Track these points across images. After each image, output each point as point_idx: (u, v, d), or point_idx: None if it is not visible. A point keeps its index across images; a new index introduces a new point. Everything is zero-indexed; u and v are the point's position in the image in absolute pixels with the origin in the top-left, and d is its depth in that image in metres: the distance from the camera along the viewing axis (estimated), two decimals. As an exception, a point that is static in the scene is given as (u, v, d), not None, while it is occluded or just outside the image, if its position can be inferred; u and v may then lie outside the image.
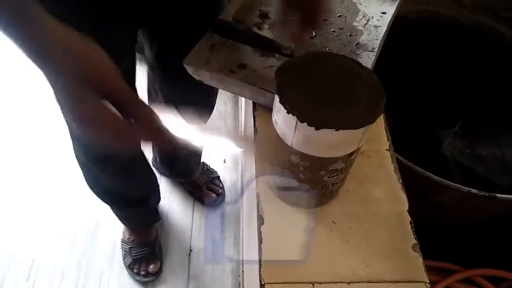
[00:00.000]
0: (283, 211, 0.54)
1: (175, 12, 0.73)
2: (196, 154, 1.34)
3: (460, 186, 0.79)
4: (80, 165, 1.03)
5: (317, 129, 0.40)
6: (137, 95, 0.39)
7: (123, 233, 1.33)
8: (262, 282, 0.48)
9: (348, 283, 0.48)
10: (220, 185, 1.46)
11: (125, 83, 0.38)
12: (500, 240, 1.02)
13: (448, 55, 1.17)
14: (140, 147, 0.42)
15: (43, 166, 1.49)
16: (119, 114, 0.37)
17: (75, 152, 0.98)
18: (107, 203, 1.17)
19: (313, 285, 0.48)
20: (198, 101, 0.97)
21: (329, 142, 0.42)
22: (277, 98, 0.43)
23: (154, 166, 1.48)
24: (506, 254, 1.00)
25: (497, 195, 0.77)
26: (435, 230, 0.85)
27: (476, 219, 0.99)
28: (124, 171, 1.02)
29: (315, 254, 0.50)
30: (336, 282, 0.48)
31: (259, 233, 0.52)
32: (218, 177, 1.48)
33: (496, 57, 1.12)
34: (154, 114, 0.38)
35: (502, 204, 0.82)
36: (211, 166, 1.48)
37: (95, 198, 1.17)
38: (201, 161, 1.44)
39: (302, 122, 0.40)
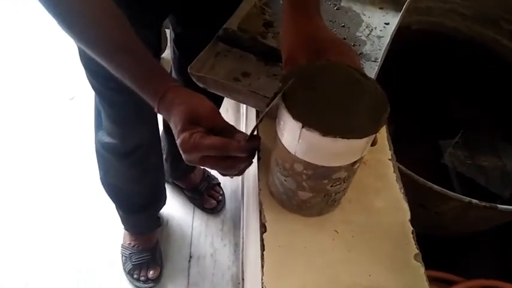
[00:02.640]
0: (286, 218, 0.54)
1: None
2: None
3: (461, 196, 0.79)
4: (98, 159, 1.07)
5: (322, 135, 0.40)
6: (230, 124, 0.52)
7: (124, 238, 1.33)
8: (264, 290, 0.48)
9: (350, 292, 0.48)
10: (221, 192, 1.46)
11: (221, 118, 0.52)
12: (501, 250, 1.02)
13: (449, 66, 1.18)
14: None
15: (41, 171, 1.49)
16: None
17: (96, 144, 1.03)
18: (115, 203, 1.18)
19: (315, 293, 0.48)
20: None
21: (332, 151, 0.42)
22: (282, 106, 0.43)
23: None
24: (506, 265, 1.00)
25: (498, 206, 0.77)
26: (436, 240, 0.85)
27: (477, 230, 0.99)
28: (138, 164, 1.05)
29: (317, 262, 0.51)
30: (337, 291, 0.48)
31: (262, 240, 0.52)
32: (219, 183, 1.48)
33: (497, 68, 1.13)
34: (244, 135, 0.50)
35: (503, 215, 0.82)
36: (212, 173, 1.49)
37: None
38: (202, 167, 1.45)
39: (307, 129, 0.41)
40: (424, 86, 1.21)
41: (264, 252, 0.51)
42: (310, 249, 0.52)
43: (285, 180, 0.50)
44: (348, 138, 0.40)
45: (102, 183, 1.14)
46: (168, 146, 1.33)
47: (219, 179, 1.48)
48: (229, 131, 0.51)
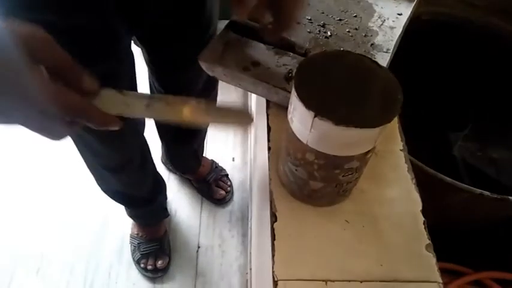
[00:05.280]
0: (296, 208, 0.54)
1: (162, 18, 0.76)
2: (200, 144, 1.35)
3: (472, 188, 0.78)
4: (90, 171, 1.05)
5: (335, 124, 0.40)
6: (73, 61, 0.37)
7: (132, 228, 1.34)
8: (275, 279, 0.48)
9: (361, 282, 0.48)
10: (229, 183, 1.47)
11: (60, 48, 0.36)
12: (509, 242, 1.02)
13: (460, 56, 1.17)
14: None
15: (51, 160, 1.50)
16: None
17: (84, 158, 0.99)
18: (116, 201, 1.18)
19: (326, 283, 0.48)
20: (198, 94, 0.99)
21: (345, 140, 0.42)
22: (294, 95, 0.43)
23: (162, 163, 1.49)
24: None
25: (510, 197, 0.77)
26: (445, 231, 0.85)
27: (487, 222, 0.99)
28: (134, 173, 1.04)
29: (328, 252, 0.50)
30: (349, 281, 0.48)
31: (272, 230, 0.52)
32: (227, 175, 1.48)
33: (508, 58, 1.11)
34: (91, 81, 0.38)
35: (514, 207, 0.82)
36: (220, 164, 1.49)
37: (103, 194, 1.18)
38: (211, 159, 1.45)
39: (319, 118, 0.40)
40: (434, 76, 1.19)
41: (275, 242, 0.51)
42: (320, 239, 0.52)
43: (296, 170, 0.50)
44: (361, 128, 0.40)
45: (102, 190, 1.13)
46: (169, 151, 1.34)
47: (226, 170, 1.49)
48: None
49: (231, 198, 1.45)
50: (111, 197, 1.16)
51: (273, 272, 0.49)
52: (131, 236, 1.33)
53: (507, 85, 1.16)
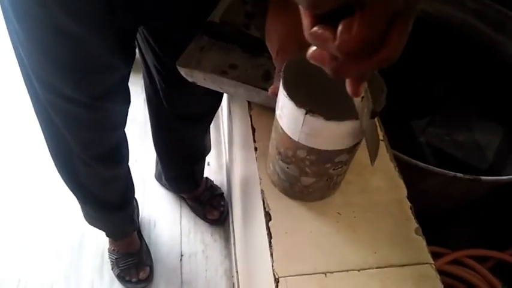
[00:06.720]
0: (289, 205, 0.55)
1: (175, 15, 0.74)
2: (199, 168, 1.33)
3: (446, 171, 0.82)
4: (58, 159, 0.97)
5: (325, 120, 0.41)
6: None
7: (109, 243, 1.31)
8: (276, 277, 0.49)
9: (359, 270, 0.50)
10: (222, 203, 1.42)
11: None
12: (484, 220, 1.07)
13: (419, 46, 1.21)
14: None
15: (24, 182, 1.44)
16: None
17: (54, 147, 0.92)
18: (78, 199, 1.09)
19: (325, 275, 0.49)
20: (203, 100, 0.98)
21: (336, 134, 0.43)
22: (283, 94, 0.44)
23: (158, 181, 1.45)
24: (489, 233, 1.04)
25: (481, 177, 0.81)
26: (422, 215, 0.88)
27: (458, 203, 1.03)
28: (107, 168, 0.99)
29: (324, 245, 0.52)
30: (347, 271, 0.50)
31: (268, 228, 0.53)
32: (222, 194, 1.44)
33: (465, 47, 1.17)
34: None
35: (485, 186, 0.86)
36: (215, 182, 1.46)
37: (79, 211, 1.15)
38: (205, 176, 1.42)
39: (311, 114, 0.41)
40: (394, 68, 1.24)
41: (272, 240, 0.52)
42: (316, 233, 0.53)
43: (287, 168, 0.51)
44: (351, 120, 0.41)
45: (66, 182, 1.04)
46: (166, 170, 1.31)
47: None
48: None
49: (226, 218, 1.41)
50: (77, 196, 1.07)
51: (273, 269, 0.49)
52: (109, 251, 1.30)
53: (465, 71, 1.22)
